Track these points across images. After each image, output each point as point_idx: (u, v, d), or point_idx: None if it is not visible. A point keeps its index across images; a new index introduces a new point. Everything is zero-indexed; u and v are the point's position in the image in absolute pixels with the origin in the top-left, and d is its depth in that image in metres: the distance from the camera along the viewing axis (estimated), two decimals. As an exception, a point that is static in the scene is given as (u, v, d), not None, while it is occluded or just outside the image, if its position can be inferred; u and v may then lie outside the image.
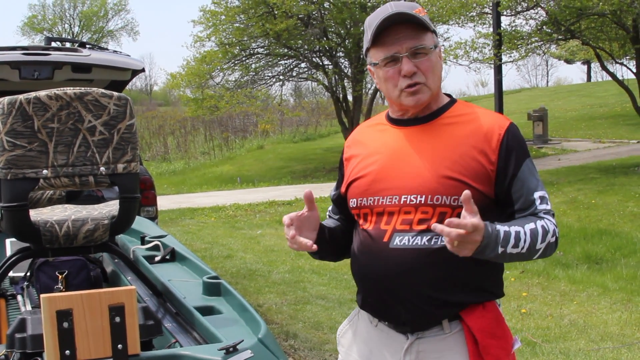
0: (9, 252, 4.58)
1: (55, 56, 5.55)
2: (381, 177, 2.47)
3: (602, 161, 17.55)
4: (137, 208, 3.58)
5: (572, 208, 12.23)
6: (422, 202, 2.36)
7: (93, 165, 3.30)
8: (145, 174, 7.22)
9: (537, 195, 2.40)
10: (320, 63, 23.61)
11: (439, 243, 2.33)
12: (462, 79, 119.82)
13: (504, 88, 16.64)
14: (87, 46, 5.92)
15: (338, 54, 23.91)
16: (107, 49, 6.42)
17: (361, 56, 22.99)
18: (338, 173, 2.74)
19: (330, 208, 2.78)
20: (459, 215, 2.21)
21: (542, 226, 2.33)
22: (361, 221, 2.53)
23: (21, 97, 3.19)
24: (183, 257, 4.21)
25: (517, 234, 2.28)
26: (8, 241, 4.65)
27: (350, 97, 23.99)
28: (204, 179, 21.68)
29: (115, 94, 3.33)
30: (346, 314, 4.67)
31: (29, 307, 4.00)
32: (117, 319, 2.55)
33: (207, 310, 3.27)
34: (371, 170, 2.50)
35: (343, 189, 2.62)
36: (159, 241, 4.42)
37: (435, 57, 2.45)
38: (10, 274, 4.21)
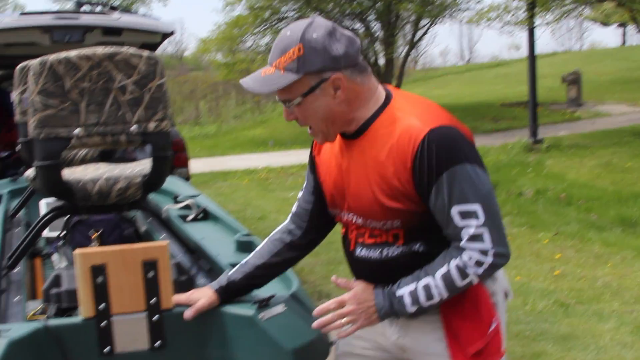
0: (42, 213, 4.64)
1: (86, 20, 5.57)
2: (334, 191, 2.49)
3: (637, 125, 17.34)
4: (169, 167, 3.60)
5: (606, 171, 12.12)
6: (361, 223, 2.41)
7: (124, 124, 3.32)
8: (177, 136, 7.25)
9: (454, 211, 2.23)
10: (351, 26, 23.45)
11: (394, 255, 2.37)
12: (495, 42, 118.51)
13: (537, 51, 16.42)
14: (117, 10, 5.94)
15: (369, 17, 23.72)
16: (137, 13, 6.44)
17: (392, 19, 22.84)
18: (308, 164, 2.70)
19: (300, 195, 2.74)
20: (406, 233, 2.33)
21: (457, 266, 2.26)
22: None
23: (51, 57, 3.21)
24: (216, 216, 4.23)
25: (427, 287, 2.29)
26: (43, 202, 4.70)
27: (381, 61, 23.83)
28: (236, 142, 21.73)
29: (145, 53, 3.33)
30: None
31: (63, 266, 4.05)
32: (151, 274, 2.58)
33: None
34: (329, 182, 2.51)
35: (318, 190, 2.64)
36: (192, 200, 4.44)
37: (312, 102, 2.29)
38: (46, 234, 4.26)
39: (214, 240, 3.73)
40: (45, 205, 4.53)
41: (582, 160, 13.30)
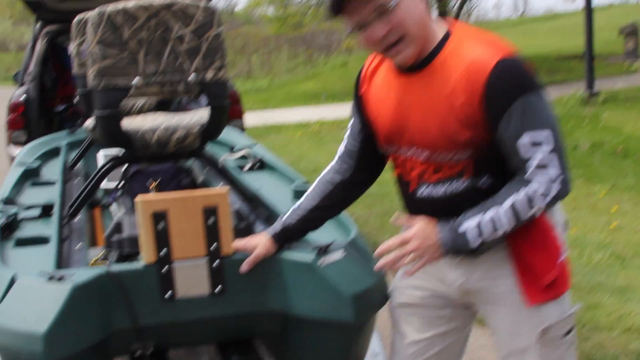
0: (100, 164, 4.70)
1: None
2: (392, 128, 2.44)
3: (698, 76, 16.95)
4: (227, 116, 3.62)
5: (665, 125, 11.92)
6: (428, 157, 2.37)
7: (182, 73, 3.34)
8: (232, 88, 7.26)
9: (523, 140, 2.22)
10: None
11: (459, 190, 2.35)
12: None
13: (594, 4, 16.05)
14: None
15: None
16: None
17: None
18: (354, 99, 2.65)
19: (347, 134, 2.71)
20: (474, 165, 2.31)
21: (525, 195, 2.24)
22: (393, 166, 2.57)
23: (109, 8, 3.22)
24: (272, 165, 4.25)
25: (492, 219, 2.26)
26: (101, 153, 4.76)
27: (434, 14, 23.52)
28: (288, 96, 21.67)
29: (202, 4, 3.34)
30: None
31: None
32: (211, 220, 2.60)
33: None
34: (384, 119, 2.47)
35: (366, 130, 2.62)
36: (249, 150, 4.46)
37: (405, 3, 2.23)
38: (104, 185, 4.32)
39: (271, 189, 3.76)
40: (103, 156, 4.58)
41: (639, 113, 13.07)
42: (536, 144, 2.22)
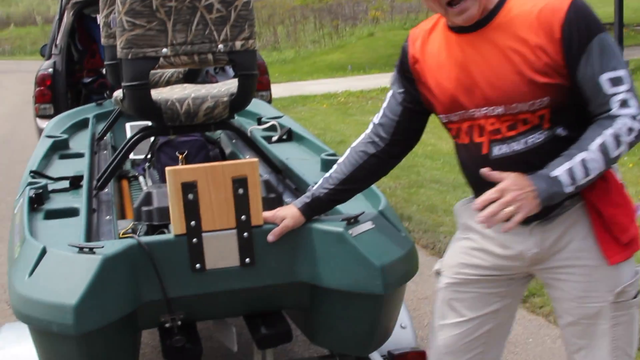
0: (128, 136, 4.70)
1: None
2: (457, 92, 2.41)
3: None
4: (255, 85, 3.60)
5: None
6: (502, 112, 2.33)
7: (211, 42, 3.32)
8: (260, 59, 7.23)
9: (604, 77, 2.24)
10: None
11: (538, 141, 2.32)
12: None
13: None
14: None
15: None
16: None
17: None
18: (398, 74, 2.63)
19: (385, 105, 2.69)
20: (552, 114, 2.29)
21: (612, 134, 2.21)
22: (454, 135, 2.51)
23: None
24: (300, 136, 4.22)
25: (584, 161, 2.20)
26: (128, 125, 4.76)
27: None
28: (314, 67, 21.58)
29: None
30: (460, 197, 4.64)
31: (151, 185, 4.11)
32: (241, 191, 2.58)
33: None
34: (447, 84, 2.44)
35: (415, 102, 2.59)
36: (276, 122, 4.44)
37: None
38: (131, 157, 4.32)
39: (300, 160, 3.74)
40: (130, 128, 4.59)
41: (670, 82, 12.93)
42: (617, 82, 2.24)
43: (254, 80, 3.52)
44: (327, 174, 2.70)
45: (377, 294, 2.61)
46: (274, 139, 4.27)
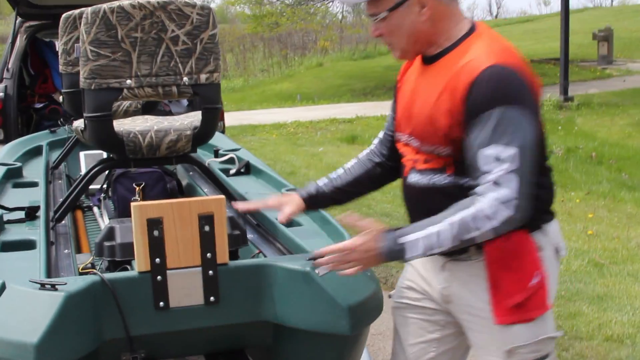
0: (83, 165, 4.63)
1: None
2: (403, 113, 2.51)
3: (669, 83, 17.13)
4: (218, 119, 3.58)
5: (637, 130, 12.02)
6: (418, 146, 2.43)
7: (176, 75, 3.29)
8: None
9: (485, 152, 2.17)
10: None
11: (441, 183, 2.37)
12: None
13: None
14: None
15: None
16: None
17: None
18: (393, 94, 2.73)
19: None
20: (456, 165, 2.34)
21: (473, 213, 2.17)
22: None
23: (104, 6, 3.17)
24: (258, 169, 4.20)
25: (437, 234, 2.22)
26: (82, 154, 4.70)
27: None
28: (263, 96, 21.61)
29: (198, 3, 3.29)
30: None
31: (105, 219, 4.05)
32: (207, 228, 2.55)
33: (287, 223, 3.26)
34: (401, 105, 2.55)
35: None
36: (234, 154, 4.42)
37: (397, 17, 2.33)
38: (87, 186, 4.26)
39: (259, 195, 3.71)
40: (84, 157, 4.52)
41: (613, 118, 13.18)
42: (499, 160, 2.16)
43: (217, 114, 3.51)
44: (333, 175, 2.78)
45: (343, 335, 2.59)
46: (232, 171, 4.24)
